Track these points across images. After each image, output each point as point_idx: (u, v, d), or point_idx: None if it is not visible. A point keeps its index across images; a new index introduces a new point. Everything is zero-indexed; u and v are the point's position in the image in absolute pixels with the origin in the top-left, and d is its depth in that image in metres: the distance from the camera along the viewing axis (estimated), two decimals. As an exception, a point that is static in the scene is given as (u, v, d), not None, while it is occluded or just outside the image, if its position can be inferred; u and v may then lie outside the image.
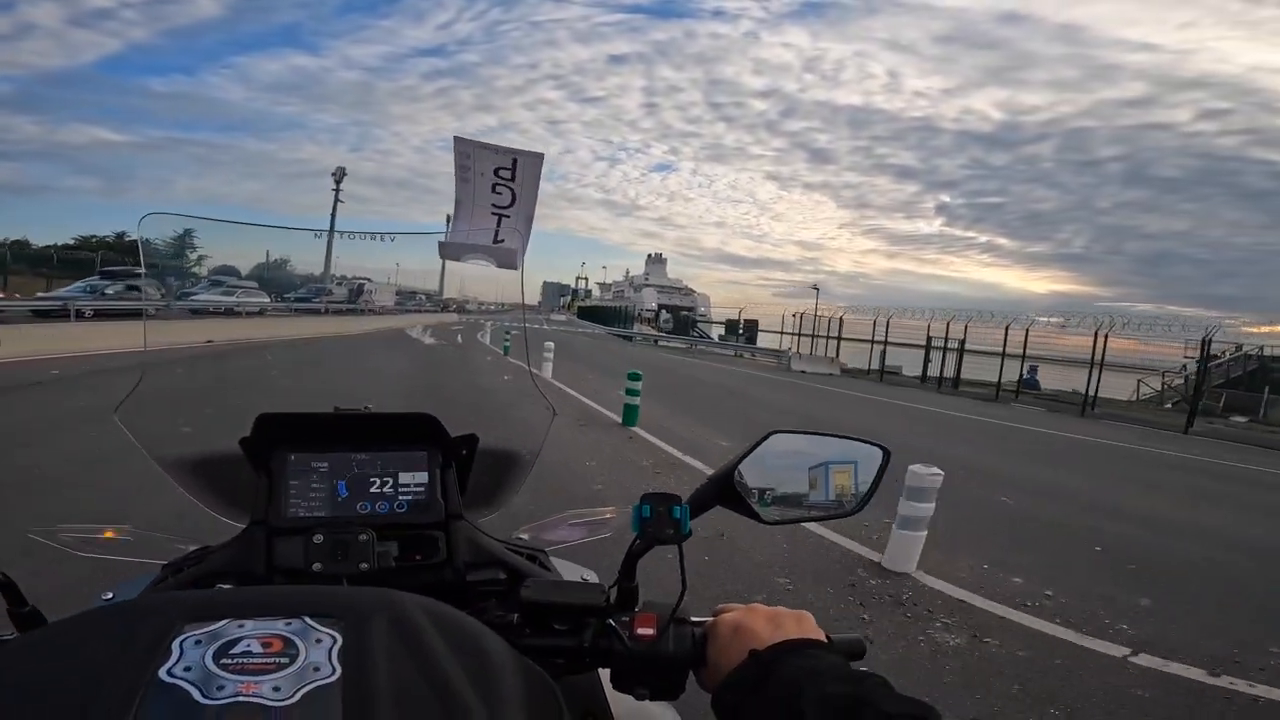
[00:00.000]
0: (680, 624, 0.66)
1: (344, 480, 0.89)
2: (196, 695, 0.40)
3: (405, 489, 0.91)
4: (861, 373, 26.44)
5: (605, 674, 0.69)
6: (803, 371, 24.60)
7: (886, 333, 26.35)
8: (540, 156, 1.19)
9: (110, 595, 0.87)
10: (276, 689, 0.41)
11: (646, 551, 0.71)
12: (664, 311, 56.11)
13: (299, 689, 0.41)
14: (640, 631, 0.65)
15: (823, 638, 0.62)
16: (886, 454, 0.78)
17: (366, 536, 0.82)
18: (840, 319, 28.94)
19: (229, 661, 0.43)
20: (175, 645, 0.44)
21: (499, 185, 1.20)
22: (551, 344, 11.65)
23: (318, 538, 0.81)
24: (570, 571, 1.03)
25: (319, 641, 0.46)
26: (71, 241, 40.19)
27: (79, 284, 21.81)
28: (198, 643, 0.44)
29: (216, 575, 0.82)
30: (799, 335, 31.15)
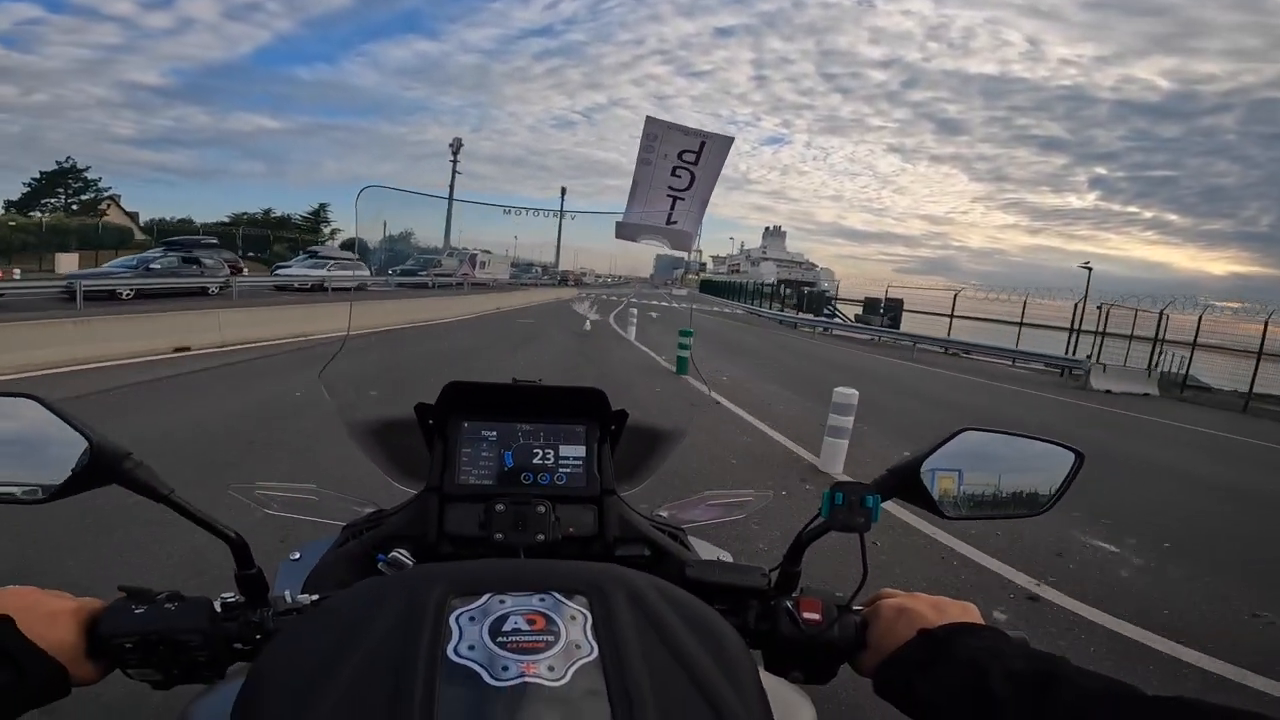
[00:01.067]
0: (842, 610, 0.67)
1: (510, 450, 0.93)
2: (486, 677, 0.42)
3: (565, 461, 0.93)
4: (1175, 385, 16.89)
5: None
6: (1107, 391, 15.46)
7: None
8: (730, 140, 1.18)
9: (298, 555, 0.92)
10: (551, 668, 0.43)
11: (819, 537, 0.71)
12: (785, 287, 52.27)
13: (569, 667, 0.43)
14: (807, 616, 0.66)
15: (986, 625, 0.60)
16: (1080, 457, 0.74)
17: (544, 508, 0.84)
18: (1163, 314, 17.69)
19: (505, 640, 0.45)
20: (453, 622, 0.46)
21: (679, 168, 1.20)
22: (852, 394, 5.51)
23: (500, 507, 0.83)
24: (707, 551, 1.01)
25: (573, 618, 0.48)
26: (226, 219, 43.04)
27: (126, 258, 18.25)
28: (472, 619, 0.46)
29: (394, 539, 0.84)
30: (1087, 332, 19.59)
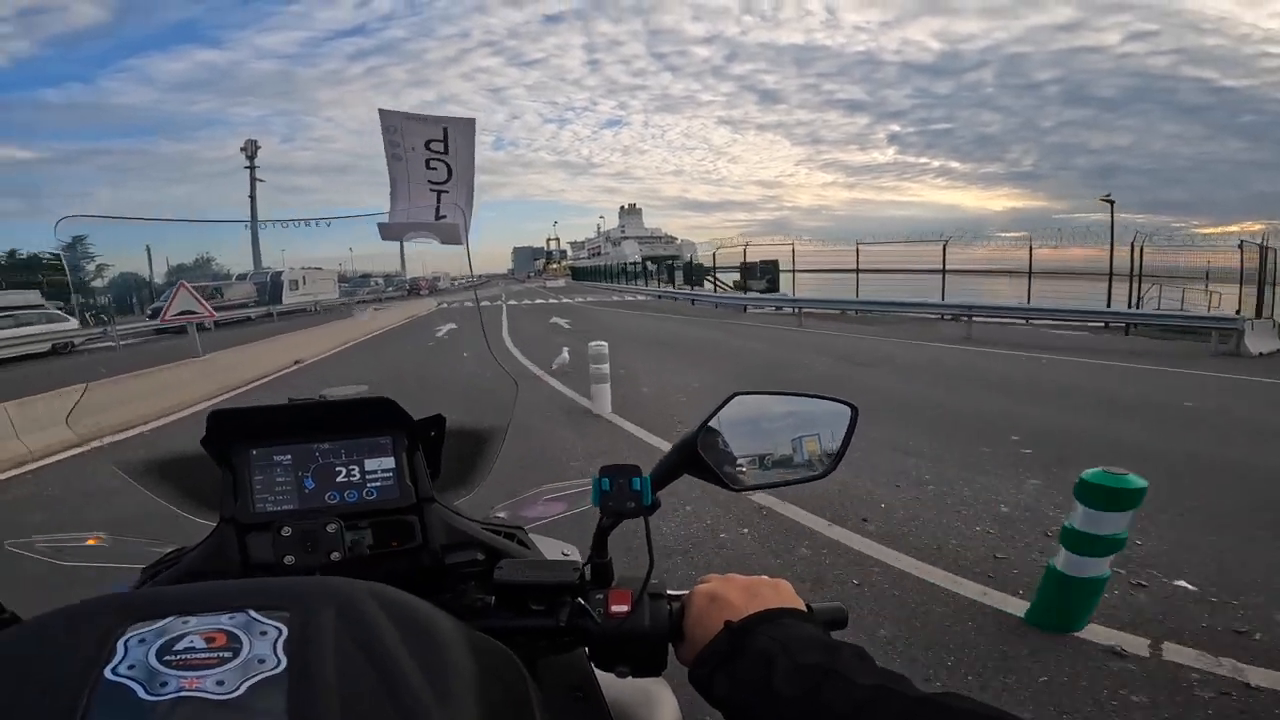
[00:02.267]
0: (656, 598, 0.66)
1: (309, 472, 0.88)
2: (141, 693, 0.41)
3: (373, 475, 0.89)
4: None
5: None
6: (1259, 354, 11.30)
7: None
8: (472, 121, 1.15)
9: None
10: (220, 683, 0.42)
11: (615, 526, 0.69)
12: (649, 263, 51.13)
13: (244, 682, 0.42)
14: (614, 609, 0.65)
15: (802, 606, 0.60)
16: (854, 411, 0.74)
17: (335, 526, 0.81)
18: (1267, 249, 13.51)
19: (172, 658, 0.43)
20: (120, 645, 0.44)
21: (433, 160, 1.15)
22: None
23: (285, 530, 0.81)
24: (551, 548, 0.99)
25: (264, 634, 0.46)
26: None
27: None
28: (141, 641, 0.45)
29: (193, 576, 0.82)
30: (1261, 288, 13.60)
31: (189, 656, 0.43)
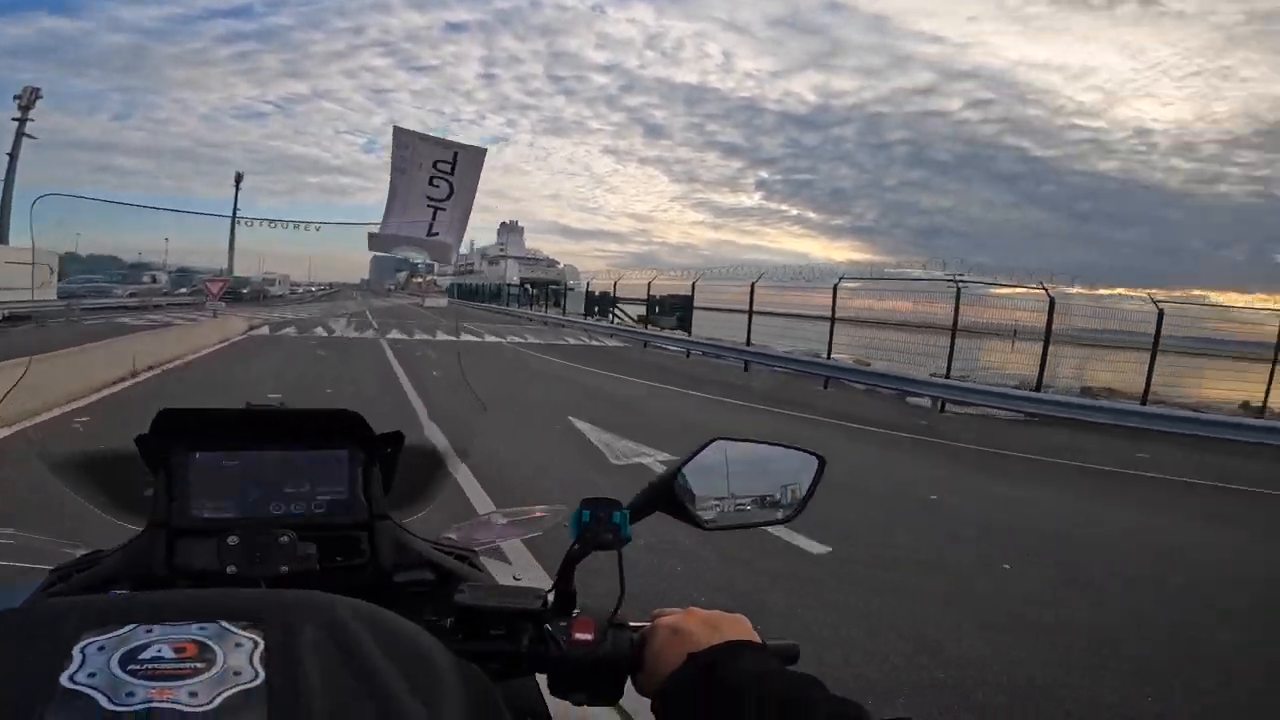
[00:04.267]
0: (618, 629, 0.66)
1: (256, 479, 0.85)
2: (104, 702, 0.38)
3: (324, 489, 0.86)
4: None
5: (543, 678, 0.68)
6: None
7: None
8: (483, 151, 1.22)
9: None
10: (193, 694, 0.39)
11: (584, 556, 0.70)
12: (529, 286, 46.33)
13: (218, 693, 0.39)
14: (578, 636, 0.66)
15: (758, 640, 0.61)
16: (821, 462, 0.78)
17: (288, 538, 0.78)
18: None
19: (137, 668, 0.41)
20: (77, 652, 0.42)
21: (436, 178, 1.18)
22: None
23: (232, 539, 0.77)
24: (502, 572, 1.02)
25: (239, 646, 0.44)
26: None
27: None
28: (101, 649, 0.42)
29: (110, 581, 0.77)
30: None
31: (157, 666, 0.41)
